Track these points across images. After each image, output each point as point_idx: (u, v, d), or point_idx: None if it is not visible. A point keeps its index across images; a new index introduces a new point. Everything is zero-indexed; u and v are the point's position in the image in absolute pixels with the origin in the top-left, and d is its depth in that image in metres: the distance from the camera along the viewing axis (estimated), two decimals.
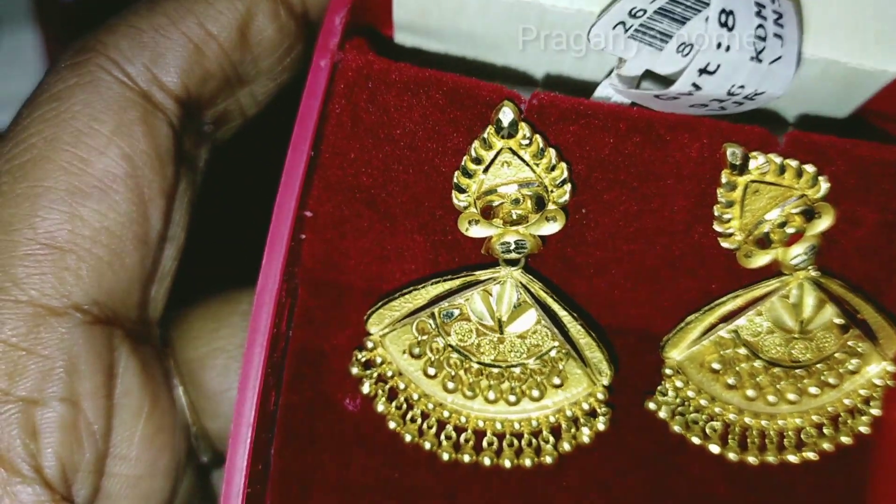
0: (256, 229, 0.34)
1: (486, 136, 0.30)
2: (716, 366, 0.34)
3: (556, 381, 0.34)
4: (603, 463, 0.35)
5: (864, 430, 0.35)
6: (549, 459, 0.34)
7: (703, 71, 0.27)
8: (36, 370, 0.30)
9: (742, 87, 0.28)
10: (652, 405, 0.34)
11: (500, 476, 0.35)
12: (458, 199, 0.31)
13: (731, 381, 0.34)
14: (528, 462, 0.34)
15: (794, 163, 0.30)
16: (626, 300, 0.34)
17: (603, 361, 0.33)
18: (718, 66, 0.27)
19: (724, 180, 0.31)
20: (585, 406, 0.34)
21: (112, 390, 0.32)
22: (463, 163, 0.31)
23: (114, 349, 0.32)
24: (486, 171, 0.31)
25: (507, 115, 0.30)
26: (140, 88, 0.32)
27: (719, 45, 0.26)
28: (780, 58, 0.29)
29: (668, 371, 0.34)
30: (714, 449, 0.34)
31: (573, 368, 0.34)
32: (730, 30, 0.27)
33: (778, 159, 0.30)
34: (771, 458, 0.35)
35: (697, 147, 0.31)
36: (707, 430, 0.35)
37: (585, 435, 0.34)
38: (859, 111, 0.35)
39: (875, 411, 0.35)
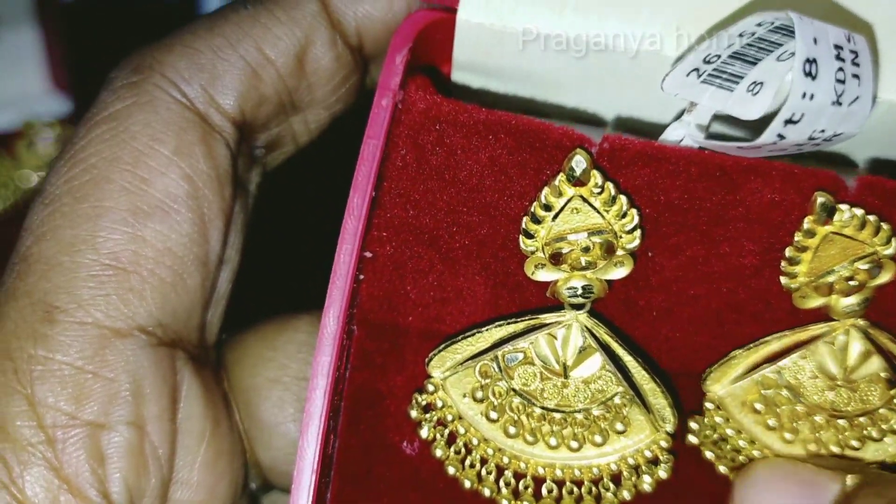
0: (306, 255, 0.33)
1: (556, 183, 0.30)
2: (758, 406, 0.33)
3: (620, 427, 0.33)
4: None
5: None
6: None
7: (788, 122, 0.26)
8: (102, 393, 0.30)
9: (823, 130, 0.28)
10: (693, 424, 0.33)
11: None
12: (526, 245, 0.31)
13: (771, 422, 0.33)
14: None
15: (872, 218, 0.30)
16: (689, 345, 0.34)
17: (667, 408, 0.33)
18: (803, 115, 0.26)
19: (805, 226, 0.31)
20: (648, 453, 0.33)
21: (175, 414, 0.32)
22: (532, 209, 0.30)
23: (177, 372, 0.32)
24: (555, 217, 0.30)
25: (579, 163, 0.29)
26: (198, 109, 0.32)
27: (804, 95, 0.26)
28: (857, 98, 0.28)
29: (708, 405, 0.34)
30: None
31: (636, 415, 0.33)
32: (814, 79, 0.26)
33: (859, 212, 0.30)
34: None
35: (769, 191, 0.31)
36: None
37: (647, 483, 0.33)
38: None
39: None
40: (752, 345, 0.33)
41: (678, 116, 0.32)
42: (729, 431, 0.34)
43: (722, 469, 0.34)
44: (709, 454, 0.34)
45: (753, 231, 0.31)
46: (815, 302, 0.32)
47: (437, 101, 0.31)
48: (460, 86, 0.36)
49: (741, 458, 0.34)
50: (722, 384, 0.33)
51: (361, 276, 0.34)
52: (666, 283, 0.32)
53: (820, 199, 0.30)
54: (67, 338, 0.30)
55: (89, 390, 0.30)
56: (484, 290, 0.33)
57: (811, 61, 0.26)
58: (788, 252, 0.31)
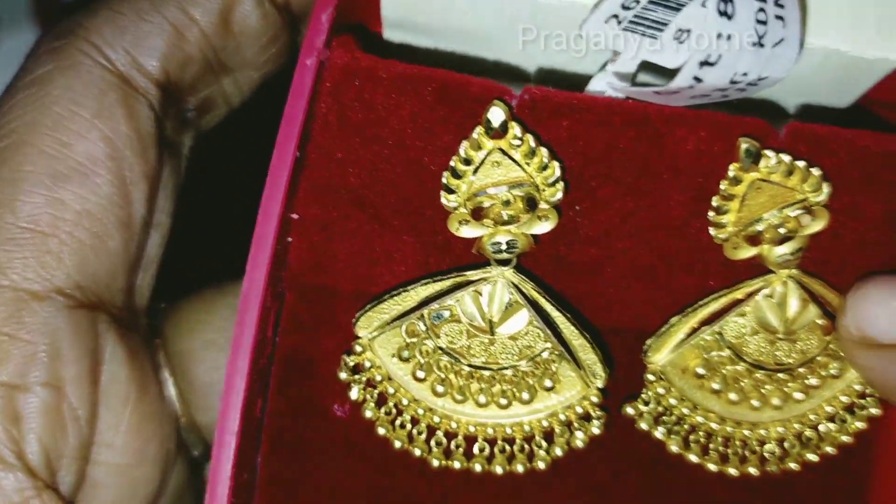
0: (247, 221, 0.33)
1: (475, 136, 0.29)
2: (700, 370, 0.33)
3: (548, 383, 0.33)
4: (598, 467, 0.34)
5: (845, 438, 0.34)
6: (542, 465, 0.33)
7: (703, 63, 0.26)
8: (18, 355, 0.30)
9: (745, 74, 0.27)
10: (630, 409, 0.33)
11: (493, 482, 0.34)
12: (448, 200, 0.30)
13: (715, 385, 0.33)
14: (520, 468, 0.33)
15: (801, 164, 0.30)
16: (622, 299, 0.33)
17: (597, 363, 0.32)
18: (720, 56, 0.26)
19: (730, 174, 0.30)
20: (579, 409, 0.33)
21: (98, 377, 0.32)
22: (452, 164, 0.30)
23: (99, 335, 0.32)
24: (475, 171, 0.30)
25: (496, 115, 0.29)
26: (120, 72, 0.32)
27: (719, 36, 0.25)
28: (782, 40, 0.28)
29: (650, 377, 0.33)
30: (693, 459, 0.34)
31: (566, 371, 0.33)
32: (730, 18, 0.26)
33: (787, 158, 0.30)
34: (752, 470, 0.34)
35: (695, 140, 0.30)
36: (690, 441, 0.34)
37: (579, 439, 0.33)
38: (861, 101, 0.34)
39: (874, 410, 0.34)
40: (689, 309, 0.33)
41: (603, 68, 0.31)
42: (672, 401, 0.33)
43: (658, 434, 0.33)
44: (658, 435, 0.33)
45: (680, 181, 0.31)
46: (747, 252, 0.32)
47: (356, 56, 0.30)
48: (394, 45, 0.35)
49: (685, 427, 0.34)
50: (663, 354, 0.33)
51: (290, 239, 0.33)
52: (595, 237, 0.32)
53: (744, 144, 0.29)
54: None
55: (5, 352, 0.29)
56: (413, 250, 0.33)
57: (726, 0, 0.26)
58: (715, 201, 0.31)
